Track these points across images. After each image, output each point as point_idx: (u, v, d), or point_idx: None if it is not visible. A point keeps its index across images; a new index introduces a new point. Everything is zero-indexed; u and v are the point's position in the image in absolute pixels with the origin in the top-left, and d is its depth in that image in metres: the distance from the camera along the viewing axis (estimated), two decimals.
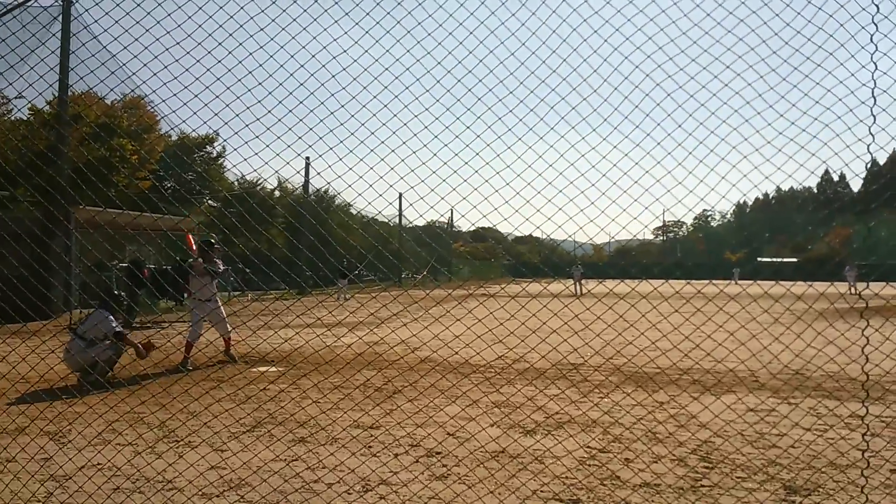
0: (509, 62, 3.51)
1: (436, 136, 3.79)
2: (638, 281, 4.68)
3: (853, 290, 33.39)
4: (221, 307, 12.04)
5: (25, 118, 23.48)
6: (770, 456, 5.98)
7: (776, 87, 2.99)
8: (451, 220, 62.30)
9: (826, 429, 6.92)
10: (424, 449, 6.28)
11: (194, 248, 13.13)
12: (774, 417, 7.35)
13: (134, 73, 4.12)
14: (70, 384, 9.40)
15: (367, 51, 3.58)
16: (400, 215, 46.48)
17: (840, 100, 2.93)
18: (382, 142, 3.78)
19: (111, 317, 9.76)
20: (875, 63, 2.93)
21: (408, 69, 3.59)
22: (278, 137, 3.81)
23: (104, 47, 4.21)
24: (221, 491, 5.12)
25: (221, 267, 12.18)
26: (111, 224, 14.66)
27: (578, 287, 36.74)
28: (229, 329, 11.94)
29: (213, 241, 12.39)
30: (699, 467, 5.70)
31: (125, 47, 3.91)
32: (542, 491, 5.13)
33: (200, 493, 5.05)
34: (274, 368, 11.02)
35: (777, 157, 3.23)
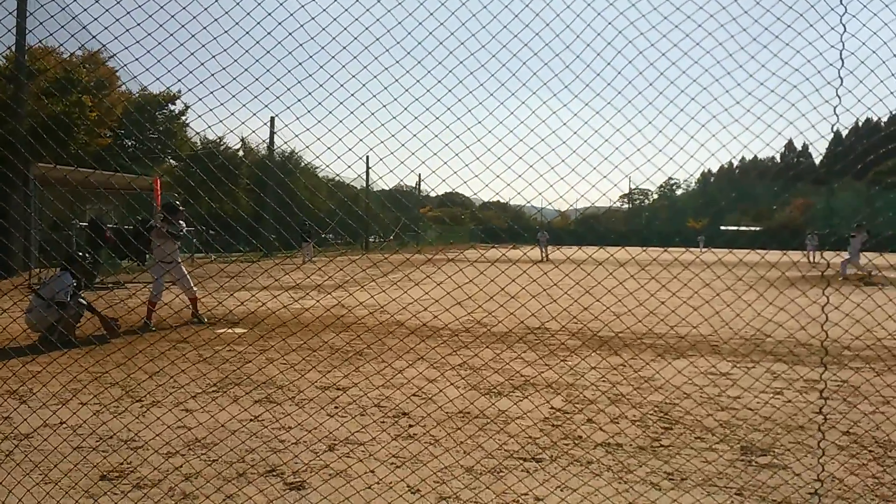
0: (472, 25, 3.47)
1: (407, 89, 3.75)
2: (599, 248, 4.72)
3: (812, 257, 34.02)
4: (182, 265, 11.92)
5: None
6: (726, 417, 6.12)
7: (746, 46, 3.01)
8: (419, 184, 62.04)
9: (781, 391, 7.09)
10: (390, 408, 6.32)
11: (159, 195, 12.94)
12: (731, 380, 7.52)
13: (94, 19, 3.98)
14: (30, 343, 9.25)
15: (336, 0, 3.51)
16: (367, 172, 46.11)
17: (809, 61, 2.96)
18: (352, 94, 3.73)
19: (67, 281, 9.56)
20: (844, 25, 2.96)
21: (372, 25, 3.53)
22: (245, 87, 3.74)
23: (57, 1, 4.07)
24: (187, 448, 5.12)
25: (185, 229, 12.02)
26: (71, 181, 14.37)
27: (544, 252, 37.08)
28: (193, 286, 11.85)
29: (176, 204, 12.21)
30: (658, 427, 5.82)
31: (82, 5, 3.79)
32: (505, 448, 5.21)
33: (165, 450, 5.04)
34: (239, 328, 10.96)
35: (744, 119, 3.26)
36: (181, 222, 11.95)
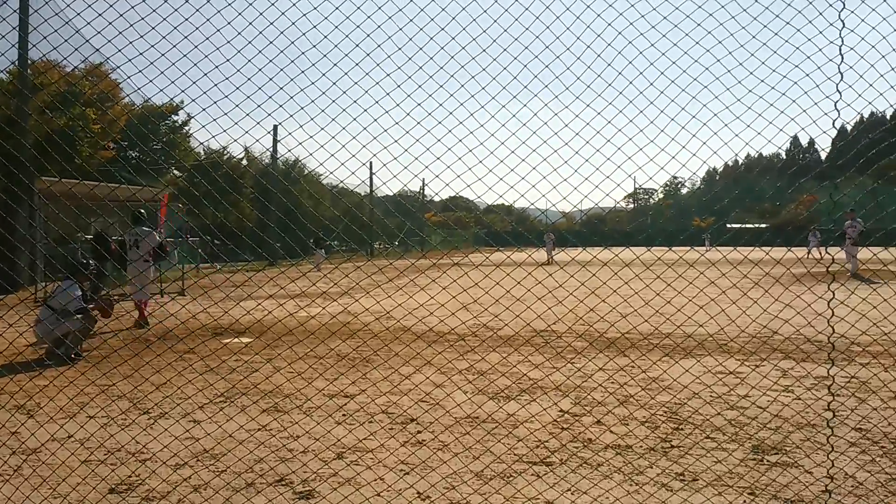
0: (473, 29, 3.47)
1: (409, 95, 3.75)
2: (604, 248, 4.70)
3: (811, 255, 33.96)
4: (151, 274, 13.21)
5: None
6: (736, 415, 6.09)
7: (746, 44, 3.00)
8: (423, 190, 62.13)
9: (790, 388, 7.06)
10: (398, 414, 6.31)
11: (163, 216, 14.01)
12: (739, 378, 7.48)
13: (98, 32, 3.99)
14: (37, 357, 9.26)
15: (330, 21, 3.52)
16: (371, 179, 46.15)
17: (808, 57, 2.95)
18: (355, 101, 3.73)
19: (75, 288, 9.56)
20: (843, 20, 2.95)
21: (376, 34, 3.53)
22: (248, 97, 3.75)
23: (59, 15, 4.07)
24: (195, 459, 5.11)
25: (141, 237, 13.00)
26: (77, 196, 14.52)
27: (550, 254, 36.90)
28: (148, 294, 13.02)
29: (142, 212, 13.56)
30: (667, 427, 5.80)
31: (85, 18, 3.80)
32: (514, 452, 5.19)
33: (173, 461, 5.03)
34: (245, 338, 10.97)
35: (747, 116, 3.25)
36: (145, 228, 13.02)
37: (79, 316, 9.34)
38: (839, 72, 2.93)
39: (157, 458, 5.11)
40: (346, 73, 3.53)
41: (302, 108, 3.55)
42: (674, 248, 4.61)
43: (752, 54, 3.01)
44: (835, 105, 2.97)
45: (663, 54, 3.14)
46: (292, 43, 3.53)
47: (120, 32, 3.59)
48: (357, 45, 3.40)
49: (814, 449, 5.14)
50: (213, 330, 11.91)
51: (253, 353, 9.43)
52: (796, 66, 2.96)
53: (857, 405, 6.29)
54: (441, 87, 3.56)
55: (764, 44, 3.03)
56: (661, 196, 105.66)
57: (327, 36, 3.43)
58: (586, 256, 4.62)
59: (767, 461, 4.91)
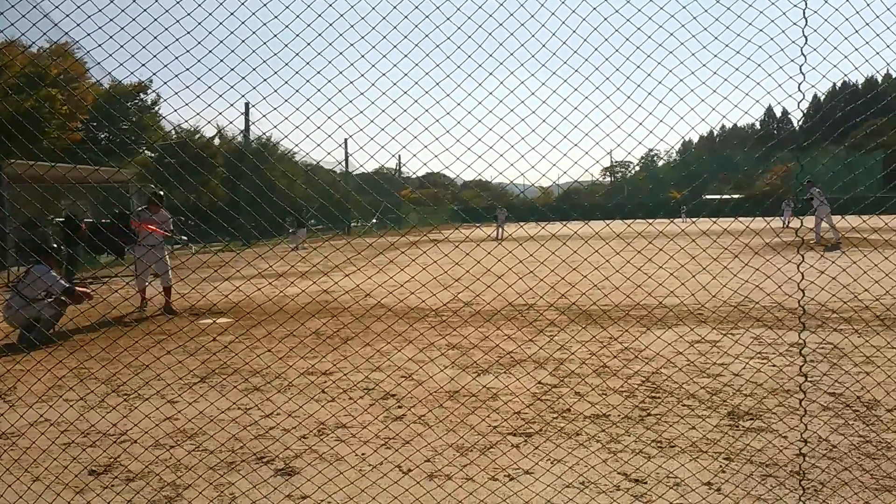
0: (447, 8, 3.41)
1: (375, 68, 3.71)
2: (583, 223, 4.70)
3: (786, 224, 34.34)
4: (167, 256, 12.34)
5: None
6: (713, 384, 6.16)
7: (710, 9, 2.99)
8: (399, 167, 61.78)
9: (767, 356, 7.14)
10: (380, 392, 6.31)
11: None
12: (718, 348, 7.57)
13: (55, 7, 3.87)
14: (10, 342, 9.14)
15: None
16: (346, 158, 45.88)
17: (772, 21, 2.95)
18: (316, 69, 3.68)
19: (52, 272, 9.48)
20: None
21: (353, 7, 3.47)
22: (223, 80, 3.68)
23: None
24: (177, 440, 5.08)
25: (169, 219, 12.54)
26: (45, 178, 14.27)
27: (500, 231, 34.41)
28: (171, 279, 12.19)
29: (161, 193, 12.73)
30: (645, 396, 5.85)
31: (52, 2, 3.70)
32: (492, 425, 5.22)
33: (155, 443, 5.00)
34: (223, 318, 10.90)
35: (712, 82, 3.25)
36: (163, 211, 12.40)
37: (49, 301, 9.26)
38: (803, 34, 2.93)
39: (130, 438, 5.08)
40: (328, 58, 3.47)
41: (277, 92, 3.49)
42: (652, 222, 4.63)
43: (717, 19, 3.01)
44: (800, 69, 2.98)
45: (628, 20, 3.12)
46: (263, 23, 3.46)
47: (89, 17, 3.49)
48: (330, 25, 3.34)
49: (788, 413, 5.21)
50: (188, 311, 11.83)
51: (230, 334, 9.37)
52: (760, 31, 2.96)
53: (830, 369, 6.38)
54: (416, 65, 3.52)
55: (728, 9, 3.02)
56: (637, 169, 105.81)
57: (300, 16, 3.36)
58: (560, 232, 4.62)
59: (743, 427, 4.97)
